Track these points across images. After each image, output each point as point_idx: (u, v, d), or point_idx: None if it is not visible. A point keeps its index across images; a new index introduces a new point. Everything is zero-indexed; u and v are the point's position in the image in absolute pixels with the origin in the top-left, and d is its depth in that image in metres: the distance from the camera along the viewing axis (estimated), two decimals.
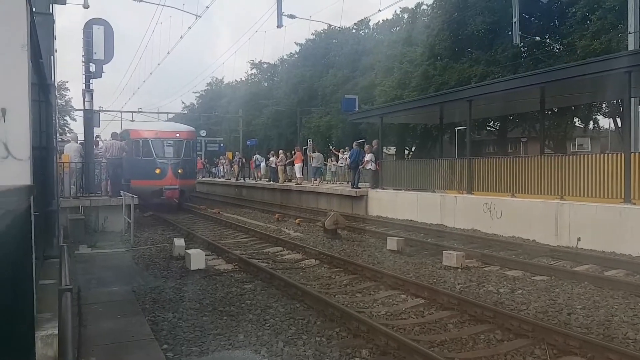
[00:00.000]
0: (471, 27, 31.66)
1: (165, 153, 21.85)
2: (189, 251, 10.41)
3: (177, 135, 22.61)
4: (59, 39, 11.10)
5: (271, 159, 30.08)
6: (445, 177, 17.42)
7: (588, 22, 25.70)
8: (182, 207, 22.87)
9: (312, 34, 55.48)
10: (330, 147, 34.61)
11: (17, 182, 3.97)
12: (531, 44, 28.76)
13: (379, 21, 52.18)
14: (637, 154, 11.80)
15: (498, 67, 29.68)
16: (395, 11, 48.94)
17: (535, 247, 11.67)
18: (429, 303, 7.48)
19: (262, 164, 34.41)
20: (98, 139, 23.24)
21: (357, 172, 21.15)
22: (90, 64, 16.44)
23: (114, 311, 6.66)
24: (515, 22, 20.66)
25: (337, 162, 27.86)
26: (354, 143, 22.91)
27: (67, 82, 55.44)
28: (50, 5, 8.66)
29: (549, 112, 27.74)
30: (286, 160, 29.18)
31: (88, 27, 16.10)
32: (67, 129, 49.06)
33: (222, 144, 51.52)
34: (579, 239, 11.53)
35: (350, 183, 22.33)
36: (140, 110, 49.74)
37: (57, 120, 13.95)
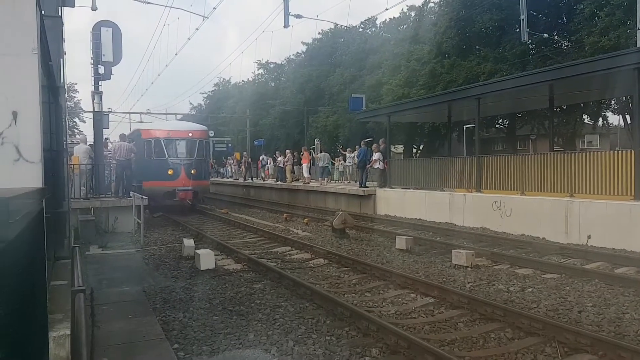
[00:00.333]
0: (479, 25, 31.53)
1: (177, 153, 21.20)
2: (198, 251, 10.46)
3: (190, 134, 21.89)
4: (67, 41, 11.17)
5: (279, 158, 30.12)
6: (453, 176, 17.36)
7: (596, 18, 25.51)
8: (195, 209, 22.35)
9: (319, 33, 55.55)
10: (339, 146, 34.57)
11: (29, 184, 4.02)
12: (539, 41, 28.60)
13: (385, 19, 52.17)
14: None
15: (506, 64, 29.54)
16: (402, 9, 48.83)
17: (545, 245, 11.62)
18: (438, 302, 7.47)
19: (270, 164, 34.47)
20: (107, 140, 23.25)
21: (365, 171, 21.13)
22: (99, 65, 16.54)
23: (125, 311, 6.70)
24: (523, 19, 20.54)
25: (345, 161, 27.86)
26: (362, 142, 22.89)
27: (76, 84, 55.96)
28: (59, 8, 8.73)
29: (558, 110, 27.57)
30: (294, 160, 29.22)
31: (96, 29, 16.20)
32: (76, 130, 49.30)
33: (229, 145, 51.65)
34: (589, 237, 11.46)
35: (358, 182, 22.31)
36: (148, 111, 49.95)
37: (67, 122, 14.04)
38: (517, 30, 26.10)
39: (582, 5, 26.41)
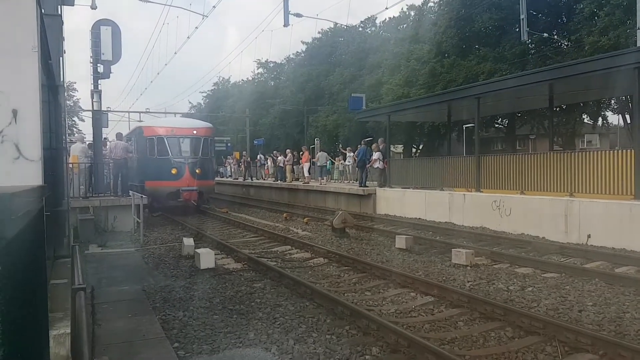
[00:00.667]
0: (478, 24, 31.53)
1: (181, 151, 20.26)
2: (198, 250, 10.46)
3: (195, 132, 20.89)
4: (67, 39, 11.16)
5: (279, 158, 30.12)
6: (453, 175, 17.37)
7: (596, 18, 25.52)
8: (200, 210, 21.52)
9: (319, 32, 55.58)
10: (339, 145, 34.58)
11: (29, 182, 4.01)
12: (539, 41, 28.60)
13: (385, 19, 52.25)
14: None
15: (506, 64, 29.53)
16: (402, 9, 48.82)
17: (545, 244, 11.62)
18: (438, 301, 7.47)
19: (269, 163, 34.48)
20: (106, 139, 23.18)
21: (365, 171, 21.13)
22: (98, 64, 16.53)
23: (125, 310, 6.70)
24: (522, 18, 20.55)
25: (345, 160, 27.87)
26: (362, 141, 22.89)
27: (75, 82, 55.93)
28: (59, 6, 8.72)
29: (558, 109, 27.57)
30: (294, 159, 29.24)
31: (96, 28, 16.18)
32: (75, 129, 49.30)
33: (229, 144, 51.60)
34: (589, 236, 11.47)
35: (358, 182, 22.31)
36: (147, 110, 49.98)
37: (66, 121, 14.03)
38: (517, 29, 26.11)
39: (581, 4, 26.41)
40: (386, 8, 41.62)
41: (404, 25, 47.34)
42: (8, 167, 4.18)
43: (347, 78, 45.60)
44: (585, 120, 35.91)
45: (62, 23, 8.80)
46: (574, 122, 32.69)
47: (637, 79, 11.33)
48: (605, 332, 5.85)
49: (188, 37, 26.10)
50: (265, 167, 34.93)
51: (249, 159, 37.28)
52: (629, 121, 29.94)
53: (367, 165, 20.97)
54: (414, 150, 44.94)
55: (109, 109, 36.83)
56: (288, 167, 28.73)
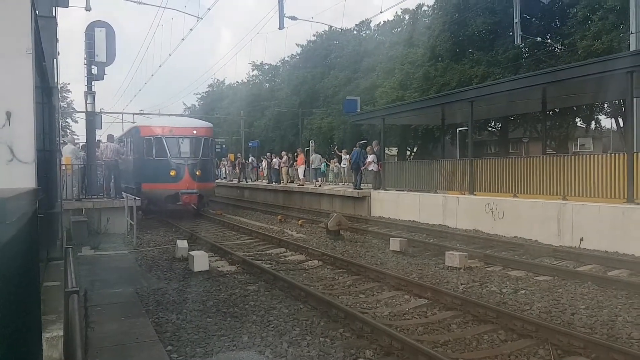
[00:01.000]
0: (472, 28, 31.71)
1: (181, 152, 19.36)
2: (192, 253, 10.43)
3: (195, 132, 19.91)
4: (61, 41, 11.12)
5: (274, 160, 30.11)
6: (447, 178, 17.42)
7: (589, 22, 25.71)
8: (199, 214, 20.48)
9: (314, 35, 55.67)
10: (335, 148, 34.61)
11: (22, 184, 3.99)
12: (532, 45, 28.79)
13: (380, 22, 52.33)
14: (639, 153, 11.80)
15: (499, 67, 29.70)
16: (397, 12, 49.04)
17: (538, 247, 11.66)
18: (432, 303, 7.49)
19: (264, 165, 34.47)
20: (100, 141, 23.01)
21: (359, 173, 21.16)
22: (92, 66, 16.46)
23: (118, 313, 6.67)
24: (516, 22, 20.66)
25: (340, 163, 27.89)
26: (357, 144, 22.92)
27: (68, 84, 55.74)
28: (53, 8, 8.70)
29: (551, 113, 27.74)
30: (289, 161, 29.26)
31: (90, 30, 16.12)
32: (68, 131, 49.10)
33: (223, 146, 51.54)
34: (581, 239, 11.53)
35: (352, 184, 22.33)
36: (141, 111, 49.80)
37: (60, 123, 13.98)
38: (511, 33, 26.21)
39: (575, 9, 26.62)
40: (381, 12, 41.97)
41: (399, 29, 47.56)
42: (1, 170, 4.16)
43: (342, 81, 45.72)
44: (579, 124, 36.16)
45: (57, 25, 8.78)
46: (567, 126, 32.92)
47: (630, 83, 11.41)
48: (597, 335, 5.88)
49: (182, 39, 26.09)
50: (260, 169, 34.92)
51: (243, 160, 37.26)
52: (621, 125, 30.17)
53: (362, 168, 21.01)
54: (408, 153, 45.07)
55: (102, 111, 36.59)
56: (283, 169, 28.73)
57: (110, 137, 18.14)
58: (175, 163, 19.15)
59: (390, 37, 46.54)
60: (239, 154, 41.60)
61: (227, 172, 40.96)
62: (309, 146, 37.32)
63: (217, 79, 76.82)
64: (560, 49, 28.49)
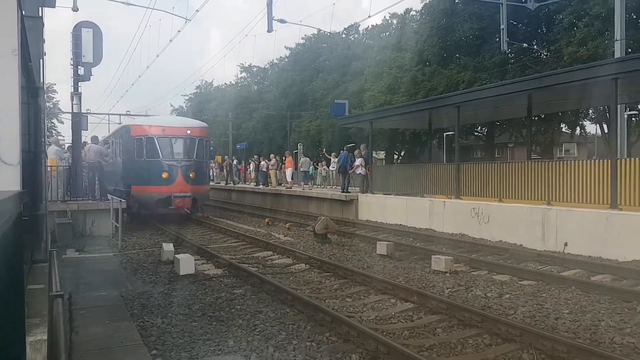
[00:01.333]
0: (459, 34, 31.95)
1: (174, 153, 18.39)
2: (178, 256, 10.37)
3: (189, 131, 18.93)
4: (47, 41, 11.02)
5: (262, 162, 30.07)
6: (434, 182, 17.52)
7: (575, 29, 26.01)
8: (192, 219, 19.56)
9: (302, 38, 55.77)
10: (323, 150, 34.64)
11: (7, 187, 3.95)
12: (518, 51, 29.06)
13: (368, 26, 52.54)
14: (623, 160, 11.96)
15: (486, 73, 29.93)
16: (385, 17, 49.29)
17: (523, 251, 11.77)
18: (418, 307, 7.52)
19: (251, 167, 34.39)
20: (85, 143, 22.67)
21: (347, 177, 21.20)
22: (79, 66, 16.31)
23: (102, 316, 6.61)
24: (502, 28, 20.92)
25: (329, 166, 27.93)
26: (344, 147, 22.96)
27: (54, 84, 55.17)
28: (40, 8, 8.62)
29: (536, 118, 28.00)
30: (278, 164, 29.26)
31: (77, 30, 15.97)
32: (54, 131, 48.59)
33: (211, 148, 51.31)
34: (565, 244, 11.65)
35: (340, 187, 22.36)
36: (128, 112, 49.45)
37: (45, 123, 13.83)
38: (497, 39, 26.54)
39: (561, 15, 26.91)
40: (369, 16, 42.08)
41: (387, 33, 47.79)
42: None
43: (331, 84, 45.83)
44: (564, 130, 36.52)
45: (43, 25, 8.70)
46: (552, 131, 33.24)
47: (614, 90, 11.56)
48: (580, 340, 5.94)
49: (170, 41, 25.95)
50: (248, 172, 34.84)
51: (232, 161, 37.18)
52: (606, 131, 30.55)
53: (350, 171, 21.04)
54: (395, 156, 45.26)
55: (88, 111, 36.26)
56: (272, 172, 28.70)
57: (94, 139, 17.86)
58: (167, 164, 18.23)
59: (378, 41, 46.77)
60: (226, 156, 41.47)
61: (214, 174, 40.78)
62: (297, 149, 37.35)
63: (205, 81, 76.73)
64: (546, 55, 28.78)
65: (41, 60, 8.46)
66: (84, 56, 15.95)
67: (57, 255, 6.54)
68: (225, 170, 35.68)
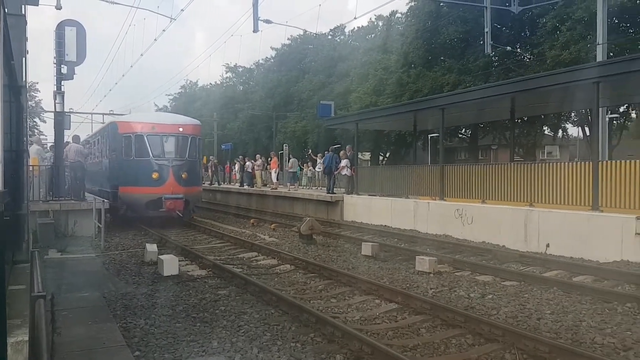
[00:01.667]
0: (444, 36, 32.19)
1: (165, 152, 17.37)
2: (161, 257, 10.29)
3: (181, 129, 17.85)
4: (30, 39, 10.89)
5: (247, 163, 29.99)
6: (418, 184, 17.62)
7: (558, 32, 26.35)
8: (184, 222, 18.39)
9: (288, 38, 55.73)
10: (309, 151, 34.65)
11: None
12: (502, 54, 29.36)
13: (354, 28, 52.71)
14: (604, 162, 12.14)
15: (470, 75, 30.21)
16: (371, 18, 49.47)
17: (505, 252, 11.88)
18: (402, 308, 7.56)
19: (236, 168, 34.29)
20: (68, 142, 22.27)
21: (332, 178, 21.22)
22: (62, 65, 16.12)
23: (85, 317, 6.55)
24: (487, 32, 21.06)
25: (315, 167, 27.93)
26: (329, 148, 22.98)
27: (37, 83, 54.43)
28: (23, 6, 8.52)
29: (519, 121, 28.32)
30: (264, 165, 29.21)
31: (60, 29, 15.78)
32: (36, 130, 47.96)
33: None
34: (547, 245, 11.78)
35: (326, 188, 22.37)
36: (111, 112, 48.99)
37: (28, 122, 13.62)
38: (481, 42, 26.76)
39: (544, 19, 27.24)
40: (355, 18, 42.25)
41: (372, 35, 47.97)
42: None
43: (317, 85, 45.88)
44: (546, 132, 36.97)
45: (26, 23, 8.59)
46: (535, 134, 33.65)
47: (596, 93, 11.71)
48: (562, 340, 6.01)
49: (155, 40, 25.72)
50: (233, 172, 34.73)
51: (216, 161, 37.03)
52: (588, 134, 30.98)
53: (335, 172, 21.06)
54: (381, 158, 45.44)
55: (71, 111, 35.84)
56: (257, 173, 28.62)
57: (75, 138, 17.56)
58: (158, 164, 17.18)
59: (364, 43, 46.93)
60: (211, 157, 41.29)
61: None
62: (282, 149, 37.29)
63: (190, 80, 76.32)
64: (530, 59, 29.12)
65: (24, 59, 8.36)
66: (67, 55, 15.76)
67: (39, 256, 6.46)
68: (210, 170, 35.53)
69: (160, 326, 6.68)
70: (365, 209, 18.84)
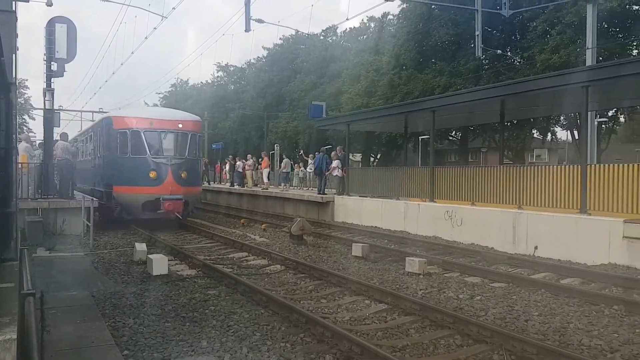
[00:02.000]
0: (435, 39, 32.34)
1: (163, 149, 16.47)
2: (150, 256, 10.26)
3: (180, 125, 16.90)
4: (20, 36, 10.80)
5: (238, 162, 29.93)
6: (409, 185, 17.68)
7: (548, 36, 26.58)
8: (183, 224, 17.57)
9: (280, 38, 55.69)
10: (301, 152, 34.64)
11: None
12: (493, 57, 29.55)
13: (346, 29, 52.76)
14: (593, 165, 12.25)
15: (460, 78, 30.36)
16: (363, 20, 49.62)
17: (494, 254, 11.95)
18: (391, 308, 7.59)
19: (227, 167, 34.21)
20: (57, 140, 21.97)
21: (323, 179, 21.22)
22: (52, 62, 16.00)
23: (73, 316, 6.52)
24: (477, 35, 21.17)
25: (306, 167, 27.94)
26: (320, 149, 22.99)
27: (26, 80, 53.97)
28: (13, 2, 8.45)
29: (509, 124, 28.49)
30: (255, 165, 29.17)
31: (51, 25, 15.67)
32: (25, 128, 47.60)
33: None
34: (536, 248, 11.87)
35: (317, 189, 22.38)
36: (101, 110, 48.67)
37: (17, 119, 13.49)
38: (472, 45, 26.88)
39: (535, 23, 27.44)
40: (347, 19, 42.10)
41: (364, 36, 48.07)
42: None
43: (308, 85, 45.89)
44: (535, 135, 37.24)
45: (17, 19, 8.53)
46: (524, 137, 33.87)
47: (585, 97, 11.81)
48: (550, 342, 6.07)
49: (146, 38, 25.59)
50: (224, 172, 34.66)
51: (206, 160, 36.93)
52: (576, 137, 31.26)
53: (326, 173, 21.07)
54: (372, 159, 45.53)
55: (60, 108, 35.54)
56: (248, 173, 28.57)
57: (63, 136, 17.37)
58: (156, 162, 16.27)
59: (356, 44, 47.01)
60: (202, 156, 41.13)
61: None
62: (273, 149, 37.30)
63: (181, 79, 75.97)
64: (520, 62, 29.33)
65: (14, 55, 8.29)
66: (57, 52, 15.64)
67: (28, 254, 6.43)
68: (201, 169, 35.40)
69: (150, 325, 6.66)
70: (356, 210, 18.87)
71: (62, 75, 16.38)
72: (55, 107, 19.06)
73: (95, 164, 19.35)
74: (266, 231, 16.83)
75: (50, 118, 16.51)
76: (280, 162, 29.00)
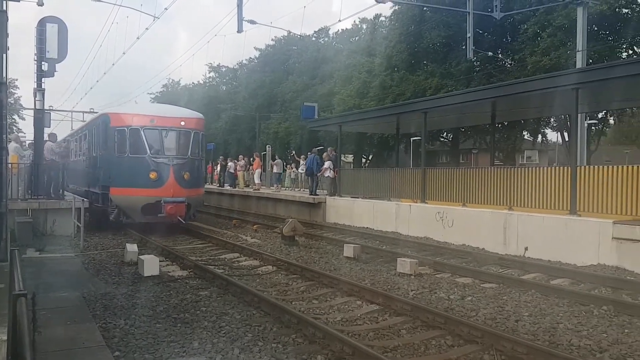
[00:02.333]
0: (427, 40, 32.47)
1: (164, 149, 15.52)
2: (141, 257, 10.22)
3: (183, 122, 15.90)
4: (10, 36, 10.72)
5: (229, 163, 29.88)
6: (400, 186, 17.74)
7: (539, 39, 26.77)
8: (185, 228, 16.62)
9: (272, 39, 55.62)
10: (293, 153, 34.64)
11: None
12: (484, 59, 29.70)
13: (338, 30, 52.81)
14: (583, 167, 12.35)
15: (452, 80, 30.50)
16: (355, 21, 49.67)
17: (485, 255, 12.01)
18: (383, 309, 7.61)
19: (218, 168, 34.13)
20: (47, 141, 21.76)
21: (315, 179, 21.24)
22: (43, 62, 15.90)
23: (64, 317, 6.50)
24: (469, 37, 21.27)
25: (298, 168, 27.97)
26: (312, 150, 23.02)
27: (16, 79, 53.49)
28: (4, 1, 8.39)
29: (500, 125, 28.66)
30: (247, 165, 29.16)
31: (42, 25, 15.55)
32: (15, 128, 47.22)
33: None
34: (526, 248, 11.95)
35: (309, 190, 22.39)
36: (91, 110, 48.39)
37: (7, 120, 13.39)
38: (463, 47, 26.98)
39: (525, 25, 27.63)
40: (339, 20, 42.32)
41: (357, 38, 48.15)
42: None
43: (300, 86, 45.88)
44: (526, 137, 37.46)
45: (7, 19, 8.47)
46: (515, 139, 34.07)
47: (575, 99, 11.92)
48: (540, 342, 6.11)
49: (137, 38, 25.47)
50: (215, 173, 34.58)
51: None
52: (566, 139, 31.49)
53: (318, 174, 21.09)
54: (363, 160, 45.59)
55: (51, 108, 35.32)
56: (240, 174, 28.53)
57: (52, 136, 17.17)
58: (156, 162, 15.36)
59: (348, 46, 47.07)
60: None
61: None
62: (265, 150, 37.25)
63: (172, 79, 75.54)
64: (511, 64, 29.51)
65: (4, 55, 8.24)
66: (48, 52, 15.52)
67: (19, 255, 6.39)
68: None
69: (141, 326, 6.64)
70: (348, 211, 18.90)
71: (53, 75, 16.27)
72: (46, 107, 18.93)
73: (90, 164, 18.49)
74: (258, 232, 16.82)
75: (41, 118, 16.39)
76: (273, 161, 28.97)
